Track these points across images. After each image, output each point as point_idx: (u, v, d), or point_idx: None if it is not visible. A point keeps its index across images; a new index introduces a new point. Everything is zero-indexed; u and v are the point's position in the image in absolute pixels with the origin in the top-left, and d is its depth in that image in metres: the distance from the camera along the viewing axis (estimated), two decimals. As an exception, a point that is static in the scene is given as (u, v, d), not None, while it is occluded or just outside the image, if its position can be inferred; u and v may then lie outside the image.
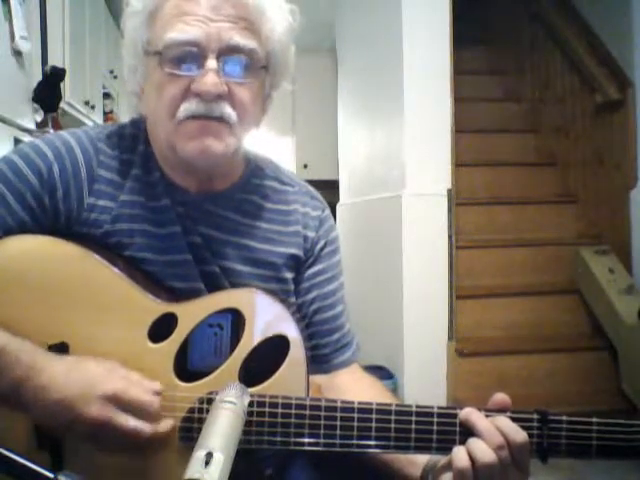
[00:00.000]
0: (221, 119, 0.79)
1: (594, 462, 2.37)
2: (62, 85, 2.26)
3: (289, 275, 0.92)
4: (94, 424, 0.71)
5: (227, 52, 0.78)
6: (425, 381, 2.54)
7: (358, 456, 0.79)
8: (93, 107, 3.21)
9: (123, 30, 0.84)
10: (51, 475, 0.63)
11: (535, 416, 0.73)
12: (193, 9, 0.77)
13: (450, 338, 2.60)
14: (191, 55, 0.77)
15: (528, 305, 2.90)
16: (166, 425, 0.75)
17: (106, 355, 0.76)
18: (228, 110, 0.78)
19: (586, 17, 3.38)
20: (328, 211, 1.00)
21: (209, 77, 0.76)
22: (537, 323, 2.86)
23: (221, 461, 0.57)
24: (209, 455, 0.57)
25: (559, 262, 3.04)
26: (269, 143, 4.72)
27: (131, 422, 0.72)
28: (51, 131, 2.13)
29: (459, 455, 0.71)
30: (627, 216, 2.96)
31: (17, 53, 1.90)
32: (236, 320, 0.79)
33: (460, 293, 2.66)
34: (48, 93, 2.12)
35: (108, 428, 0.71)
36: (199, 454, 0.58)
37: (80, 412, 0.70)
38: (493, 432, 0.71)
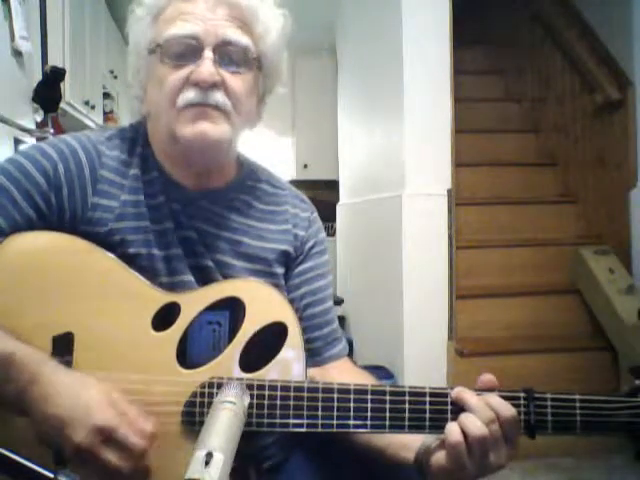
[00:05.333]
0: (216, 107, 0.84)
1: (593, 462, 2.38)
2: (62, 85, 2.26)
3: (280, 270, 0.97)
4: (77, 450, 0.71)
5: (222, 45, 0.85)
6: (425, 381, 2.51)
7: (355, 446, 0.84)
8: (93, 107, 3.21)
9: (128, 36, 0.91)
10: (51, 475, 0.64)
11: (522, 394, 0.78)
12: (192, 10, 0.85)
13: (450, 338, 2.60)
14: (190, 48, 0.84)
15: (528, 305, 2.89)
16: (145, 464, 0.74)
17: (111, 344, 0.79)
18: (222, 98, 0.84)
19: (586, 17, 3.38)
20: (316, 214, 1.06)
21: (205, 66, 0.83)
22: (537, 323, 2.85)
23: (221, 461, 0.58)
24: (209, 455, 0.57)
25: (559, 262, 3.03)
26: (269, 143, 4.72)
27: (112, 460, 0.71)
28: (51, 131, 2.13)
29: (452, 430, 0.75)
30: (627, 216, 2.96)
31: (17, 53, 1.90)
32: (234, 316, 0.82)
33: (460, 293, 2.65)
34: (48, 93, 2.12)
35: (90, 457, 0.71)
36: (199, 454, 0.58)
37: (68, 435, 0.71)
38: (484, 407, 0.75)
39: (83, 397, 0.73)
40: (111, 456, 0.71)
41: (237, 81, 0.86)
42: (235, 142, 0.91)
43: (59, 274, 0.81)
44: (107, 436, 0.71)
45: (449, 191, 2.63)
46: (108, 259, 0.83)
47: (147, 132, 0.94)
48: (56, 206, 0.85)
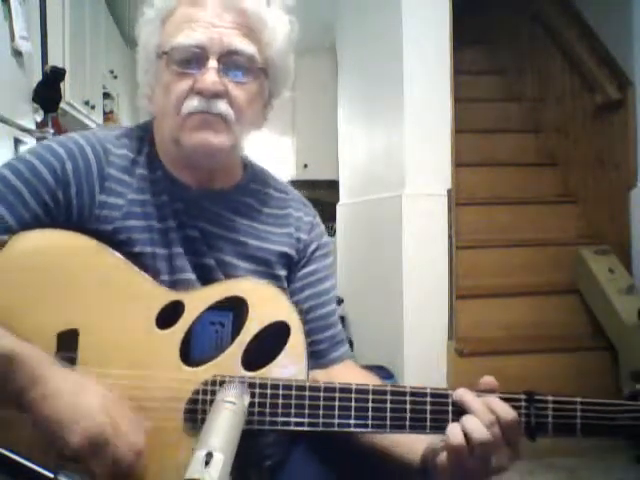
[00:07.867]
0: (219, 116, 0.86)
1: (593, 462, 2.37)
2: (62, 85, 2.26)
3: (282, 272, 0.98)
4: (74, 453, 0.71)
5: (227, 55, 0.86)
6: (425, 381, 2.52)
7: (358, 444, 0.84)
8: (93, 107, 3.21)
9: (138, 37, 0.93)
10: (51, 475, 0.64)
11: (523, 396, 0.78)
12: (200, 16, 0.86)
13: (450, 338, 2.61)
14: (195, 56, 0.86)
15: (528, 305, 2.90)
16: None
17: (115, 341, 0.80)
18: (225, 108, 0.86)
19: (586, 17, 3.38)
20: (318, 219, 1.06)
21: (209, 75, 0.85)
22: (537, 323, 2.85)
23: (221, 461, 0.58)
24: (209, 455, 0.57)
25: (559, 262, 3.04)
26: (269, 143, 4.72)
27: (99, 469, 0.72)
28: (51, 131, 2.13)
29: (454, 432, 0.75)
30: (627, 216, 2.96)
31: (17, 53, 1.90)
32: (237, 317, 0.83)
33: (460, 293, 2.66)
34: (48, 93, 2.12)
35: (87, 460, 0.71)
36: (199, 454, 0.58)
37: (63, 438, 0.71)
38: (485, 410, 0.75)
39: (81, 400, 0.73)
40: (99, 466, 0.72)
41: (241, 92, 0.87)
42: (239, 147, 0.93)
43: (65, 272, 0.82)
44: (97, 448, 0.71)
45: (449, 191, 2.63)
46: (113, 257, 0.84)
47: (154, 132, 0.95)
48: (64, 203, 0.86)
